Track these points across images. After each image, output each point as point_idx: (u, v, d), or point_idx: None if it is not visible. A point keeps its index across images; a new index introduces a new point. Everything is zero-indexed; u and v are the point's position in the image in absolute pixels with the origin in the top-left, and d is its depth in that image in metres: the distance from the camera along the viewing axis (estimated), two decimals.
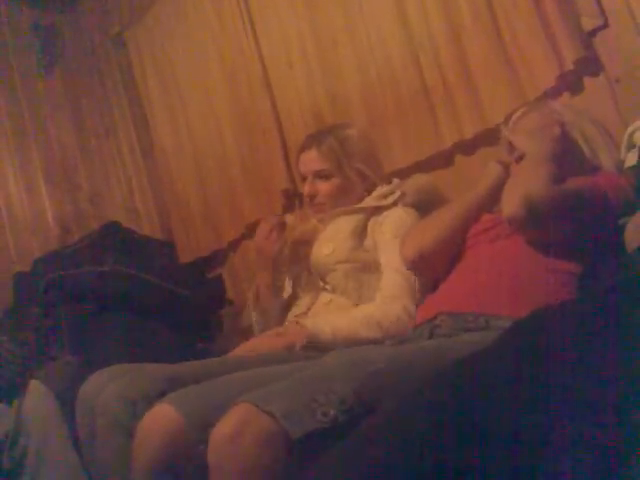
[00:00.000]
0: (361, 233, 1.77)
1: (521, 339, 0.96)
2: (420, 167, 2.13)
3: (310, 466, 0.93)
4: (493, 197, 1.50)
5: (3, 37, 3.10)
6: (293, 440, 0.92)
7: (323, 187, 1.83)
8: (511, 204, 1.32)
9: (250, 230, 2.71)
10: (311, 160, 1.84)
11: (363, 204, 1.81)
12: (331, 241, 1.77)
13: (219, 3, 2.69)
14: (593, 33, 1.78)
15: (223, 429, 0.97)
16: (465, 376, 0.96)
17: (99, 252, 2.66)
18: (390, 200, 1.80)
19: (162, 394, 1.32)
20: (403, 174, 2.08)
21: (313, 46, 2.39)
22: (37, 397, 1.89)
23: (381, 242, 1.72)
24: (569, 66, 1.79)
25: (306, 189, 1.85)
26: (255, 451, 0.93)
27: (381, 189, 1.83)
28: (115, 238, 2.77)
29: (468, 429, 0.91)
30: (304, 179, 1.87)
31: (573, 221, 1.34)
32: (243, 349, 1.63)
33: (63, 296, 2.49)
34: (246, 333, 2.49)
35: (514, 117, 1.65)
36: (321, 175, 1.83)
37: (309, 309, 1.77)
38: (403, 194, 1.80)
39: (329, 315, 1.67)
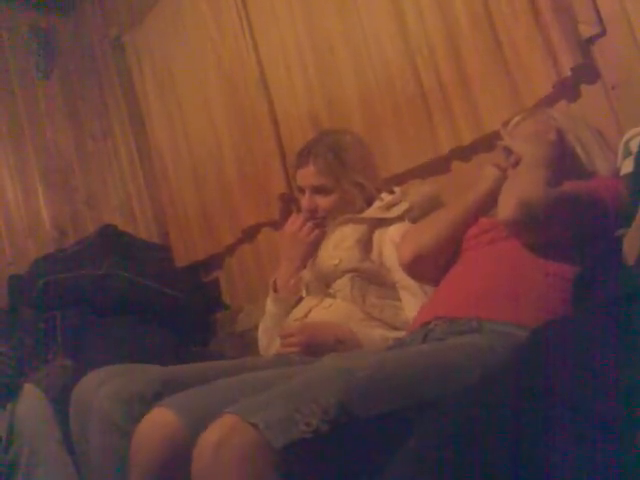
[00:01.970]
0: (366, 244, 1.76)
1: (523, 359, 0.97)
2: (417, 173, 2.14)
3: (295, 476, 0.93)
4: (490, 200, 1.50)
5: (1, 40, 3.10)
6: (276, 450, 0.93)
7: (322, 202, 1.82)
8: (507, 207, 1.32)
9: (247, 234, 2.72)
10: (309, 176, 1.82)
11: (367, 214, 1.80)
12: (336, 250, 1.77)
13: (217, 8, 2.69)
14: (590, 41, 1.79)
15: (207, 439, 0.97)
16: (468, 400, 0.97)
17: (95, 255, 2.66)
18: (395, 212, 1.78)
19: (157, 395, 1.32)
20: (400, 180, 2.08)
21: (310, 51, 2.39)
22: (31, 401, 1.88)
23: (393, 258, 1.70)
24: (566, 73, 1.80)
25: (305, 204, 1.84)
26: (239, 462, 0.93)
27: (383, 200, 1.82)
28: (111, 241, 2.77)
29: (471, 448, 0.92)
30: (302, 192, 1.86)
31: (570, 224, 1.34)
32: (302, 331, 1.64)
33: (59, 299, 2.49)
34: (241, 337, 2.50)
35: (511, 123, 1.65)
36: (320, 190, 1.82)
37: (310, 311, 1.76)
38: (411, 208, 1.78)
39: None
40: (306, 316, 1.74)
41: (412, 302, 1.65)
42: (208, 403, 1.13)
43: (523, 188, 1.32)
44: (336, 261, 1.74)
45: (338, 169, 1.79)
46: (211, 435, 0.97)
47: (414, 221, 1.74)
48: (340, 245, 1.77)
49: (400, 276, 1.67)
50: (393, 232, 1.74)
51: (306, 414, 0.96)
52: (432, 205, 1.78)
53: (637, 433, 0.71)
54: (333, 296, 1.76)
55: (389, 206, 1.81)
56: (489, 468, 0.96)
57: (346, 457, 0.99)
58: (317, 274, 1.79)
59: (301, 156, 1.86)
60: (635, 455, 0.71)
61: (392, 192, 1.86)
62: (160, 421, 1.16)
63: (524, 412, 0.81)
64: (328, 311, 1.72)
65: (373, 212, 1.80)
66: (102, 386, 1.36)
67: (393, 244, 1.70)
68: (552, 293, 1.29)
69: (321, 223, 1.84)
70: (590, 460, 0.73)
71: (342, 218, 1.80)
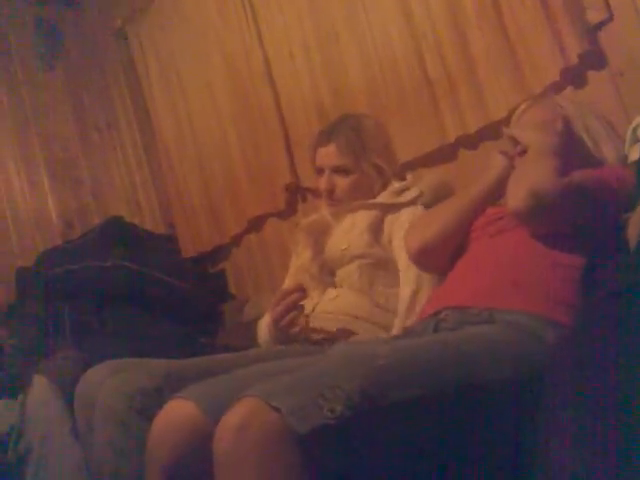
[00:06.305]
0: (377, 229, 1.75)
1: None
2: (423, 161, 2.13)
3: (315, 461, 0.93)
4: (498, 190, 1.49)
5: (5, 31, 3.09)
6: (299, 436, 0.92)
7: (341, 182, 1.80)
8: (516, 197, 1.32)
9: (253, 225, 2.72)
10: (330, 155, 1.80)
11: (379, 199, 1.79)
12: (347, 235, 1.76)
13: None
14: (598, 27, 1.78)
15: (229, 421, 0.96)
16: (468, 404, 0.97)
17: (102, 247, 2.66)
18: (407, 197, 1.77)
19: (159, 389, 1.33)
20: (406, 168, 2.08)
21: (315, 39, 2.38)
22: (41, 392, 1.90)
23: (400, 240, 1.69)
24: (573, 60, 1.79)
25: (323, 184, 1.81)
26: (261, 445, 0.93)
27: (395, 185, 1.81)
28: (118, 233, 2.77)
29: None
30: (319, 172, 1.84)
31: (578, 214, 1.34)
32: None
33: (65, 291, 2.50)
34: (248, 327, 2.50)
35: (517, 112, 1.64)
36: (339, 170, 1.80)
37: (316, 306, 1.75)
38: (421, 193, 1.77)
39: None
40: (313, 310, 1.71)
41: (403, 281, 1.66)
42: (227, 392, 1.11)
43: (532, 178, 1.31)
44: (345, 245, 1.73)
45: (359, 150, 1.79)
46: (232, 418, 0.96)
47: (426, 206, 1.74)
48: (351, 231, 1.76)
49: (403, 261, 1.66)
50: (405, 216, 1.74)
51: (330, 400, 0.95)
52: (444, 191, 1.77)
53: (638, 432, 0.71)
54: (337, 285, 1.75)
55: (400, 191, 1.80)
56: (488, 467, 0.97)
57: (365, 444, 0.98)
58: (323, 263, 1.78)
59: (322, 135, 1.85)
60: (635, 455, 0.71)
61: (403, 179, 1.86)
62: (180, 412, 1.15)
63: (525, 413, 0.81)
64: (334, 302, 1.70)
65: (384, 197, 1.80)
66: (105, 380, 1.37)
67: (403, 229, 1.68)
68: (560, 283, 1.29)
69: (337, 204, 1.81)
70: (590, 460, 0.73)
71: (353, 205, 1.79)
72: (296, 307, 1.63)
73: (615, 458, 0.73)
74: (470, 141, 2.06)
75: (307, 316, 1.66)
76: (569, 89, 1.84)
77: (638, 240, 1.15)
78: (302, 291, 1.64)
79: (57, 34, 3.19)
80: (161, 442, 1.15)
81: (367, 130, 1.82)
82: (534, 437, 0.83)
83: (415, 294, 1.63)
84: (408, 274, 1.65)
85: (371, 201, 1.79)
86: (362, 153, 1.79)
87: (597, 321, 0.85)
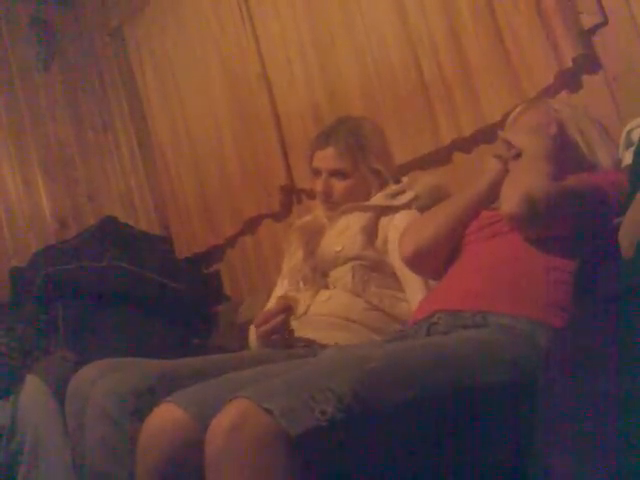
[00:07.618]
0: (371, 231, 1.75)
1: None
2: (418, 164, 2.13)
3: (307, 464, 0.93)
4: (492, 193, 1.49)
5: (1, 31, 3.09)
6: (291, 438, 0.92)
7: (338, 186, 1.79)
8: (510, 201, 1.32)
9: (248, 226, 2.72)
10: (328, 158, 1.79)
11: (373, 202, 1.79)
12: (341, 237, 1.75)
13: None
14: (592, 31, 1.78)
15: (220, 423, 0.96)
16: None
17: (96, 247, 2.66)
18: (402, 200, 1.77)
19: (151, 389, 1.32)
20: (401, 171, 2.08)
21: (311, 42, 2.38)
22: (34, 392, 1.89)
23: (394, 243, 1.68)
24: (568, 64, 1.79)
25: (320, 187, 1.80)
26: (252, 447, 0.93)
27: (390, 188, 1.81)
28: (112, 233, 2.77)
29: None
30: (316, 174, 1.83)
31: (572, 219, 1.34)
32: None
33: (60, 291, 2.49)
34: (243, 329, 2.50)
35: (512, 115, 1.64)
36: (337, 173, 1.79)
37: (309, 307, 1.75)
38: (417, 196, 1.77)
39: None
40: (305, 313, 1.71)
41: (414, 288, 1.65)
42: (216, 397, 1.10)
43: (526, 182, 1.32)
44: (339, 247, 1.73)
45: (358, 153, 1.77)
46: (224, 419, 0.96)
47: (421, 209, 1.73)
48: (344, 233, 1.75)
49: (400, 264, 1.66)
50: (399, 219, 1.73)
51: (320, 402, 0.95)
52: (439, 194, 1.76)
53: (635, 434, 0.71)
54: (330, 286, 1.75)
55: (395, 194, 1.79)
56: (482, 470, 0.97)
57: (357, 446, 0.98)
58: (316, 264, 1.77)
59: (321, 137, 1.84)
60: (635, 459, 0.71)
61: (399, 181, 1.85)
62: (168, 418, 1.14)
63: (520, 417, 0.81)
64: (327, 304, 1.70)
65: (379, 200, 1.79)
66: (98, 380, 1.36)
67: (397, 231, 1.68)
68: (554, 286, 1.29)
69: (334, 208, 1.80)
70: (587, 463, 0.74)
71: (347, 206, 1.79)
72: (280, 329, 1.63)
73: (612, 460, 0.73)
74: (465, 144, 2.06)
75: (292, 330, 1.66)
76: (564, 93, 1.85)
77: (635, 244, 1.15)
78: (288, 311, 1.64)
79: (53, 34, 3.19)
80: (149, 448, 1.14)
81: (366, 134, 1.81)
82: (530, 440, 0.83)
83: None
84: (416, 279, 1.65)
85: (366, 203, 1.79)
86: (361, 157, 1.78)
87: (593, 324, 0.85)
